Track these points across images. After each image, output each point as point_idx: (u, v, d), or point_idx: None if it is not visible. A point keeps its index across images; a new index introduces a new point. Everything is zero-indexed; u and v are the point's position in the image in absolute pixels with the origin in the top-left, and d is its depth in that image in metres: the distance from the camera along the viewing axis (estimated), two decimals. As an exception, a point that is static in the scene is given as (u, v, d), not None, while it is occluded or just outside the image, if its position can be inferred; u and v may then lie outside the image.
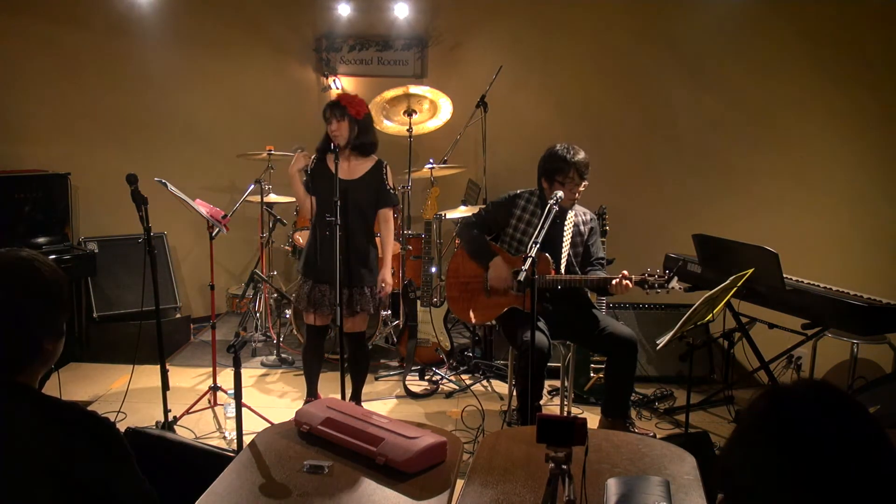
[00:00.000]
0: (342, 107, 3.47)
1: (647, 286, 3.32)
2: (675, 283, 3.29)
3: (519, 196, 3.64)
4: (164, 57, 5.27)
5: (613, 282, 3.33)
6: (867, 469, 1.01)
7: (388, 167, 3.63)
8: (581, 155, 3.44)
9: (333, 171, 3.42)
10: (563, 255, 3.54)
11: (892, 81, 4.38)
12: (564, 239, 3.56)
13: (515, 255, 3.58)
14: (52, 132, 5.09)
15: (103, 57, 5.14)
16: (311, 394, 3.82)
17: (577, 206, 3.64)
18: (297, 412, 2.35)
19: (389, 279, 3.63)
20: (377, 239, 3.70)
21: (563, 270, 3.53)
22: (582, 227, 3.64)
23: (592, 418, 3.76)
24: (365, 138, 3.57)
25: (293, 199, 4.51)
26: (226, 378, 4.21)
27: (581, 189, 3.49)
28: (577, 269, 3.61)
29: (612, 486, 1.87)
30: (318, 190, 3.56)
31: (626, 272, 3.32)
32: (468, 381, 4.39)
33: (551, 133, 5.25)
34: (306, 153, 3.60)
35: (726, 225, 4.30)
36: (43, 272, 1.43)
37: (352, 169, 3.57)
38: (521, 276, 2.73)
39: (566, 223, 3.58)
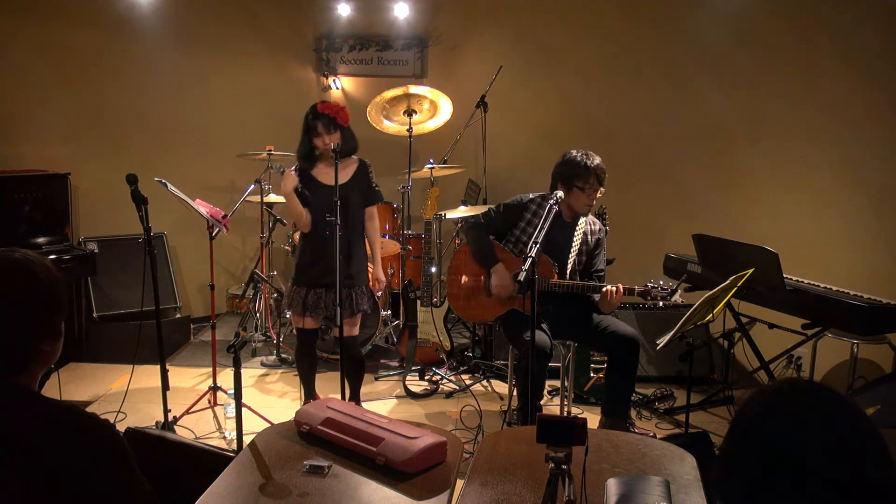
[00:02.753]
0: (332, 118, 3.46)
1: (649, 298, 3.31)
2: (678, 297, 3.28)
3: (531, 201, 3.61)
4: (164, 57, 5.27)
5: (604, 289, 3.34)
6: (864, 466, 1.01)
7: (371, 165, 3.66)
8: (598, 160, 3.45)
9: (320, 179, 3.54)
10: (569, 261, 3.54)
11: (893, 80, 4.37)
12: (573, 247, 3.56)
13: (519, 257, 3.57)
14: (52, 132, 5.09)
15: (103, 57, 5.14)
16: (310, 395, 3.82)
17: (588, 215, 3.64)
18: (297, 412, 2.35)
19: (382, 276, 3.73)
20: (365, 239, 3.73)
21: (568, 276, 3.53)
22: (590, 237, 3.63)
23: (592, 418, 3.76)
24: (350, 143, 3.57)
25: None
26: (226, 378, 4.22)
27: (598, 195, 3.50)
28: (577, 277, 3.61)
29: (612, 486, 1.87)
30: (312, 201, 3.56)
31: (620, 285, 3.33)
32: (468, 381, 4.39)
33: (551, 133, 5.27)
34: (291, 169, 3.59)
35: (726, 225, 4.30)
36: (37, 273, 1.42)
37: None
38: (521, 276, 2.72)
39: (577, 229, 3.58)
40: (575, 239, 3.56)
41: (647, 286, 3.31)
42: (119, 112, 5.22)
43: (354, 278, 3.56)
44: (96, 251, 4.73)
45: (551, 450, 1.56)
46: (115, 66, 5.17)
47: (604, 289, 3.34)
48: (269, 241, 5.02)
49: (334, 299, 3.55)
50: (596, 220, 3.70)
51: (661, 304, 3.28)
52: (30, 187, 4.57)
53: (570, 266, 3.54)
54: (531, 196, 3.63)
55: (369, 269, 3.77)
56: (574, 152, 3.48)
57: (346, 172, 3.58)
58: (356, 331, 3.69)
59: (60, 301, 1.47)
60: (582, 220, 3.60)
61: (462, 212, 4.59)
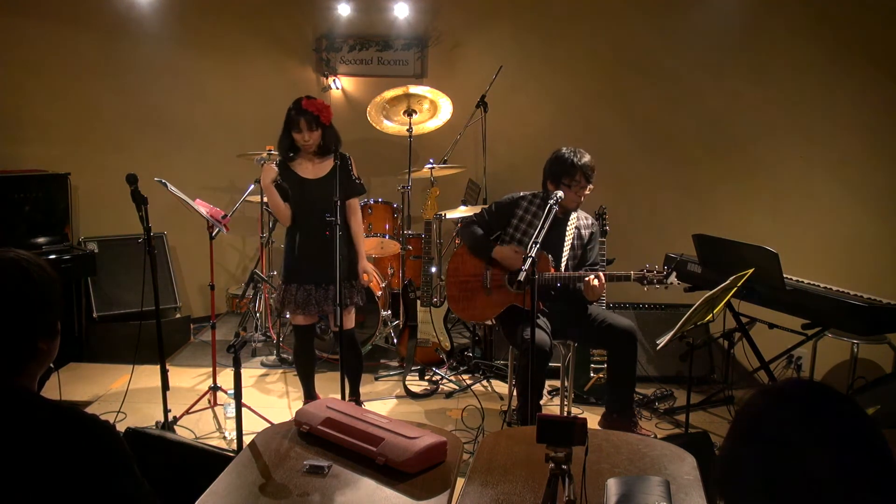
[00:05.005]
0: (315, 116, 3.43)
1: (645, 282, 3.35)
2: (673, 279, 3.31)
3: (522, 198, 3.66)
4: (164, 57, 5.27)
5: (587, 278, 3.37)
6: (866, 467, 1.01)
7: (351, 159, 3.63)
8: (587, 158, 3.47)
9: (299, 173, 3.55)
10: (563, 256, 3.56)
11: (894, 80, 4.37)
12: (566, 241, 3.58)
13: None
14: (52, 132, 5.09)
15: (103, 57, 5.14)
16: (310, 395, 3.82)
17: (579, 211, 3.66)
18: (297, 412, 2.35)
19: (369, 266, 3.72)
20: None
21: (563, 270, 3.55)
22: (583, 231, 3.65)
23: (592, 418, 3.76)
24: (331, 140, 3.54)
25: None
26: (226, 378, 4.22)
27: (586, 192, 3.52)
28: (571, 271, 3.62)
29: (612, 486, 1.87)
30: (292, 195, 3.57)
31: (601, 274, 3.38)
32: (468, 381, 4.39)
33: (551, 133, 5.26)
34: (272, 163, 3.59)
35: (726, 225, 4.30)
36: (31, 272, 1.42)
37: (316, 168, 3.58)
38: (521, 276, 2.74)
39: (568, 225, 3.60)
40: (567, 234, 3.59)
41: (643, 271, 3.35)
42: (119, 112, 5.22)
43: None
44: (96, 251, 4.73)
45: (551, 450, 1.56)
46: (116, 66, 5.17)
47: (586, 278, 3.37)
48: (269, 241, 5.02)
49: (325, 296, 3.56)
50: (588, 216, 3.73)
51: (657, 286, 3.31)
52: (30, 187, 4.56)
53: (564, 261, 3.56)
54: (522, 193, 3.67)
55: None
56: (564, 150, 3.51)
57: (325, 166, 3.58)
58: (350, 323, 3.68)
59: (55, 300, 1.46)
60: (573, 214, 3.62)
61: (462, 212, 4.59)
